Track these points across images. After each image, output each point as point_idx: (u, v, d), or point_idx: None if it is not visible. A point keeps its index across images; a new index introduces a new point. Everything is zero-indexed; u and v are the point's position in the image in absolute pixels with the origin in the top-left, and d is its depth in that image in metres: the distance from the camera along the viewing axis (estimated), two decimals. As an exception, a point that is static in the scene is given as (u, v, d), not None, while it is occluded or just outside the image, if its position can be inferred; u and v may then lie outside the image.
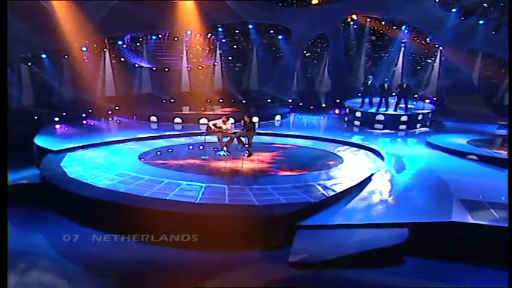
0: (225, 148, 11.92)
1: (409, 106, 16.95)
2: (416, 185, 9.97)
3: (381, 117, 16.51)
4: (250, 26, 20.47)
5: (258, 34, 20.81)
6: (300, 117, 18.22)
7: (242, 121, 11.94)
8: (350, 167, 11.11)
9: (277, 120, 17.01)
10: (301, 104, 20.30)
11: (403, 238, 7.48)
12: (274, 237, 7.78)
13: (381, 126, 16.35)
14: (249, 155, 11.80)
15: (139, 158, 11.40)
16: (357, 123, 17.06)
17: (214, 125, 11.87)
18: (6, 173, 3.44)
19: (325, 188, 9.22)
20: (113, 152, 11.92)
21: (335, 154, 12.48)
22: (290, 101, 20.14)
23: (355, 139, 14.35)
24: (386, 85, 17.02)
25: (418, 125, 16.73)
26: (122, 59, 18.91)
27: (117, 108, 17.67)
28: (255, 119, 15.99)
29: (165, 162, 11.18)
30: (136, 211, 7.91)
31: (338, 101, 20.34)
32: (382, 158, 11.91)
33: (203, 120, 15.13)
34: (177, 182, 9.34)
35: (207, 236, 7.64)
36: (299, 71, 21.71)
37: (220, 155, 11.72)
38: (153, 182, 9.41)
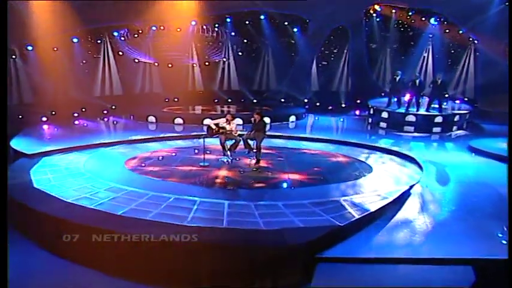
0: (228, 153, 10.03)
1: (443, 106, 14.77)
2: (470, 201, 7.87)
3: (411, 118, 14.40)
4: (262, 17, 18.62)
5: (271, 26, 18.96)
6: (317, 118, 16.62)
7: (252, 119, 9.97)
8: (381, 177, 9.06)
9: (292, 122, 15.46)
10: (318, 104, 18.72)
11: (463, 280, 5.36)
12: (287, 273, 5.79)
13: (412, 128, 14.26)
14: (257, 162, 9.90)
15: (126, 165, 9.54)
16: (382, 125, 14.98)
17: (216, 125, 9.95)
18: (6, 172, 3.27)
19: (353, 205, 7.18)
20: (97, 157, 10.31)
21: (361, 161, 10.44)
22: (306, 100, 18.64)
23: (383, 143, 12.31)
24: (417, 81, 14.83)
25: (454, 128, 14.56)
26: (120, 53, 17.31)
27: (113, 107, 16.05)
28: (267, 120, 14.36)
29: (155, 169, 9.37)
30: (103, 235, 5.97)
31: (359, 101, 18.51)
32: (419, 166, 9.78)
33: (207, 121, 13.17)
34: (165, 196, 7.44)
35: (197, 272, 5.69)
36: (316, 67, 20.20)
37: (222, 161, 9.89)
38: (134, 195, 7.54)
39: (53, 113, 14.38)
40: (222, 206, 7.09)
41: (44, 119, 13.98)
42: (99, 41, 16.42)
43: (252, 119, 10.12)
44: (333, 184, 8.49)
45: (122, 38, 16.82)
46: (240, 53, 19.83)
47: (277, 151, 11.08)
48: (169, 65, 18.40)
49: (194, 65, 19.17)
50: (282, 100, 18.69)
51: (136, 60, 17.77)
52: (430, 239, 6.47)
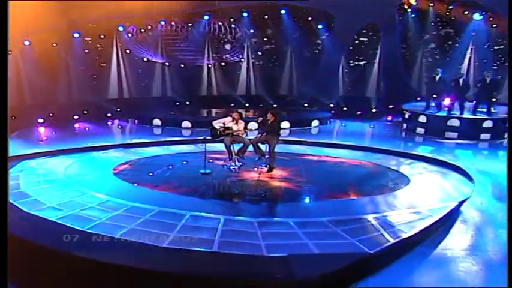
0: (235, 159, 8.69)
1: (492, 110, 12.94)
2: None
3: (454, 123, 12.64)
4: (283, 11, 17.33)
5: (293, 21, 17.64)
6: (343, 124, 15.25)
7: (259, 119, 8.67)
8: (422, 190, 7.45)
9: (315, 127, 14.30)
10: (345, 108, 17.34)
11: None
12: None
13: (455, 134, 12.52)
14: (270, 170, 8.54)
15: (113, 170, 8.37)
16: (420, 130, 13.26)
17: (222, 126, 8.62)
18: (6, 172, 3.12)
19: (386, 225, 5.64)
20: (84, 161, 9.31)
21: (395, 171, 8.86)
22: (332, 105, 17.30)
23: (422, 151, 10.67)
24: (461, 81, 13.05)
25: (506, 134, 12.63)
26: (127, 51, 16.37)
27: (118, 110, 15.21)
28: (285, 125, 13.00)
29: (145, 177, 8.22)
30: (51, 256, 4.69)
31: (392, 106, 16.90)
32: (469, 178, 8.11)
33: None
34: (147, 208, 6.14)
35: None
36: (343, 69, 18.80)
37: (228, 168, 8.60)
38: (109, 206, 6.27)
39: (51, 114, 13.54)
40: (216, 223, 5.70)
41: (41, 120, 13.19)
42: (102, 37, 15.45)
43: (260, 119, 8.75)
44: (360, 198, 7.02)
45: (129, 34, 15.82)
46: (259, 53, 18.64)
47: (294, 158, 9.91)
48: (182, 66, 17.49)
49: (209, 65, 18.16)
50: (305, 105, 17.46)
51: (145, 59, 16.84)
52: (488, 272, 4.83)
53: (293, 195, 7.29)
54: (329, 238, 5.28)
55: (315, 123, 14.48)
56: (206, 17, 16.56)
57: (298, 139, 11.69)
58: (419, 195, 7.19)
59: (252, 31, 17.93)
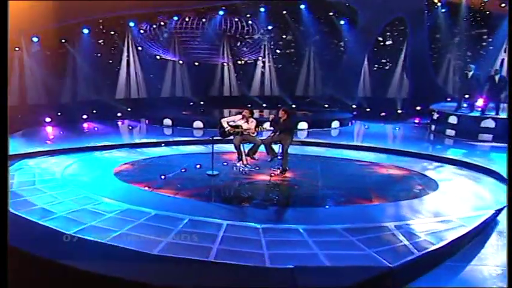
0: (245, 160, 8.27)
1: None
2: None
3: (489, 124, 11.82)
4: (303, 6, 16.88)
5: (314, 17, 17.13)
6: (366, 126, 14.66)
7: (271, 117, 8.21)
8: (451, 196, 6.82)
9: (335, 128, 13.84)
10: (368, 109, 16.91)
11: None
12: None
13: (489, 136, 11.71)
14: (282, 172, 8.09)
15: (114, 171, 8.07)
16: (450, 132, 12.51)
17: (230, 124, 8.24)
18: (6, 171, 3.15)
19: (409, 235, 5.04)
20: (85, 161, 9.05)
21: (422, 174, 8.25)
22: (354, 106, 16.94)
23: (452, 154, 9.99)
24: (497, 77, 12.21)
25: (548, 137, 11.65)
26: (139, 48, 16.28)
27: (129, 110, 15.20)
28: (303, 125, 12.83)
29: (147, 178, 7.82)
30: (29, 259, 4.32)
31: (419, 108, 16.32)
32: (506, 183, 7.33)
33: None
34: (143, 211, 5.77)
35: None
36: (367, 68, 18.26)
37: (238, 170, 8.21)
38: (101, 210, 5.91)
39: (59, 114, 13.53)
40: (216, 228, 5.23)
41: (48, 119, 13.12)
42: (112, 33, 15.36)
43: (271, 117, 8.25)
44: (380, 204, 6.45)
45: (141, 31, 15.62)
46: (277, 51, 18.32)
47: (311, 160, 9.47)
48: (196, 64, 17.30)
49: (224, 64, 17.88)
50: (326, 106, 17.07)
51: (158, 57, 16.69)
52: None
53: (305, 200, 6.78)
54: (343, 248, 4.75)
55: (335, 124, 13.99)
56: (221, 12, 16.22)
57: (316, 140, 11.26)
58: (448, 201, 6.55)
59: (270, 27, 17.55)
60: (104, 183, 7.43)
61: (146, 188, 7.09)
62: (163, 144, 10.78)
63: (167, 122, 13.72)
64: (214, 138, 8.32)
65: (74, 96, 14.68)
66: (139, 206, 6.01)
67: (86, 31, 14.55)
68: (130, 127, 13.82)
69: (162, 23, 15.68)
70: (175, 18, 15.73)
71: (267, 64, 18.43)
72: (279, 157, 8.16)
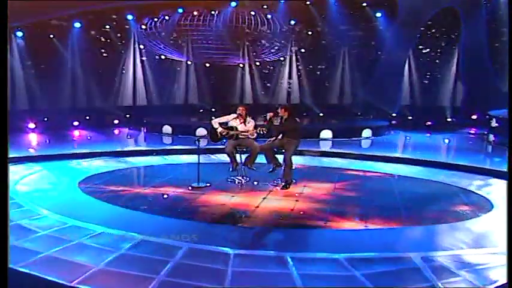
0: (242, 169, 7.49)
1: None
2: None
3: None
4: (330, -4, 16.27)
5: (343, 9, 16.36)
6: (408, 137, 13.94)
7: (269, 115, 7.38)
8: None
9: (366, 138, 13.21)
10: (410, 117, 16.34)
11: None
12: None
13: None
14: (285, 186, 7.13)
15: (80, 182, 7.46)
16: (512, 143, 11.03)
17: (222, 124, 7.51)
18: (6, 171, 3.22)
19: (441, 271, 3.93)
20: (53, 170, 8.46)
21: (472, 192, 7.20)
22: (394, 114, 16.38)
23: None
24: None
25: None
26: (142, 46, 16.02)
27: (127, 116, 15.07)
28: (326, 134, 12.43)
29: (118, 190, 7.06)
30: None
31: (475, 116, 15.66)
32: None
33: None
34: (87, 229, 5.07)
35: None
36: (410, 70, 17.55)
37: (233, 182, 7.45)
38: (38, 226, 5.09)
39: (46, 119, 13.38)
40: (170, 254, 4.28)
41: (32, 125, 12.99)
42: (107, 27, 15.04)
43: (269, 115, 7.38)
44: (407, 227, 5.39)
45: (142, 27, 15.22)
46: (302, 50, 17.69)
47: (328, 172, 8.76)
48: (207, 65, 17.02)
49: (241, 65, 17.47)
50: (359, 114, 16.74)
51: (163, 57, 16.34)
52: None
53: (304, 219, 5.70)
54: (340, 282, 3.65)
55: (366, 133, 13.32)
56: (233, 4, 15.60)
57: (340, 151, 10.54)
58: (504, 227, 5.27)
59: (292, 22, 16.90)
60: (60, 195, 6.73)
61: (109, 203, 6.25)
62: (154, 153, 10.26)
63: (167, 129, 13.30)
64: (200, 140, 7.59)
65: (63, 101, 14.52)
66: (86, 222, 5.17)
67: (77, 25, 14.30)
68: (127, 136, 13.61)
69: (166, 17, 15.14)
70: (180, 10, 15.18)
71: (290, 64, 18.02)
72: (280, 166, 7.23)
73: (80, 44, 14.52)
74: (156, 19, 15.12)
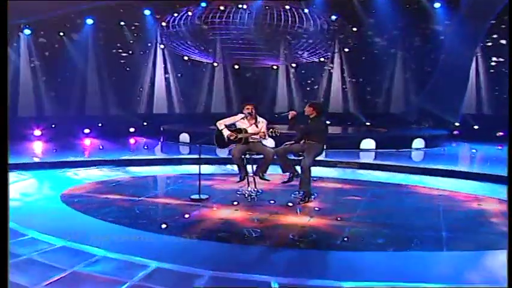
0: (252, 180, 7.10)
1: None
2: None
3: None
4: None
5: (393, 1, 15.90)
6: (474, 150, 13.43)
7: (291, 114, 6.94)
8: None
9: (417, 149, 12.98)
10: (476, 127, 16.01)
11: None
12: None
13: None
14: (304, 199, 6.64)
15: (65, 194, 7.38)
16: None
17: (229, 127, 7.18)
18: (6, 171, 3.30)
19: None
20: (41, 179, 8.62)
21: None
22: (457, 124, 16.14)
23: None
24: None
25: None
26: (162, 46, 16.25)
27: (144, 124, 15.30)
28: (369, 144, 12.30)
29: (105, 201, 6.89)
30: None
31: None
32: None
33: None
34: (49, 243, 4.83)
35: None
36: (477, 72, 17.09)
37: (243, 195, 7.05)
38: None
39: (53, 126, 13.72)
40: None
41: (38, 133, 13.38)
42: (122, 23, 15.26)
43: (291, 113, 6.96)
44: (442, 253, 4.81)
45: (163, 24, 15.27)
46: (345, 49, 17.50)
47: (361, 186, 8.30)
48: (236, 67, 17.16)
49: (274, 67, 17.31)
50: (412, 123, 16.38)
51: (186, 58, 16.45)
52: None
53: (321, 242, 5.16)
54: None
55: (418, 143, 13.01)
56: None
57: (381, 162, 10.30)
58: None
59: (333, 18, 16.60)
60: (34, 206, 6.64)
61: (93, 216, 6.00)
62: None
63: (184, 137, 13.27)
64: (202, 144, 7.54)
65: (74, 106, 14.82)
66: (50, 236, 4.96)
67: (89, 21, 14.53)
68: (144, 146, 13.78)
69: (189, 13, 15.13)
70: (203, 4, 15.13)
71: (333, 67, 17.87)
72: (296, 174, 6.82)
73: (92, 42, 14.87)
74: (176, 14, 15.13)
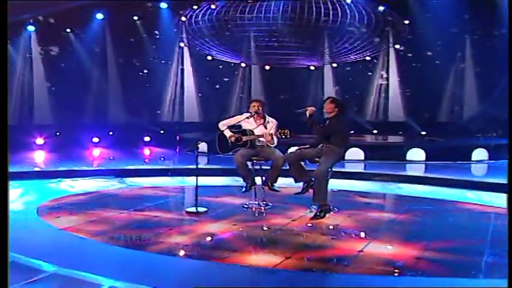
0: (261, 194, 6.92)
1: None
2: None
3: None
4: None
5: None
6: None
7: (309, 110, 6.62)
8: None
9: (479, 161, 12.76)
10: None
11: None
12: None
13: None
14: (318, 215, 6.27)
15: (43, 206, 7.48)
16: None
17: (234, 129, 6.99)
18: (6, 171, 3.50)
19: None
20: (27, 188, 8.85)
21: None
22: None
23: None
24: None
25: None
26: (182, 44, 16.37)
27: (162, 132, 15.55)
28: (417, 155, 12.19)
29: (90, 213, 6.87)
30: None
31: None
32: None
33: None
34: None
35: None
36: None
37: (250, 209, 6.90)
38: None
39: (58, 134, 14.15)
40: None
41: (40, 141, 13.70)
42: (135, 18, 15.42)
43: (309, 109, 6.60)
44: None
45: (183, 19, 15.42)
46: (396, 46, 17.11)
47: (396, 201, 8.41)
48: (267, 68, 17.22)
49: (311, 68, 17.09)
50: (477, 132, 15.93)
51: (209, 58, 16.49)
52: None
53: (323, 262, 4.84)
54: None
55: (479, 155, 12.71)
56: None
57: (429, 175, 10.20)
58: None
59: (381, 9, 16.24)
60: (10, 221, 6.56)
61: (71, 230, 5.95)
62: (169, 174, 10.47)
63: (202, 147, 12.91)
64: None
65: (80, 113, 15.05)
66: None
67: (100, 16, 14.78)
68: (161, 158, 13.89)
69: (212, 6, 15.11)
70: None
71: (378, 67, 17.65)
72: (310, 184, 6.45)
73: (102, 40, 15.18)
74: (196, 6, 15.16)
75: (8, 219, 3.48)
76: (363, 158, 12.15)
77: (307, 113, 6.50)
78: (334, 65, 17.22)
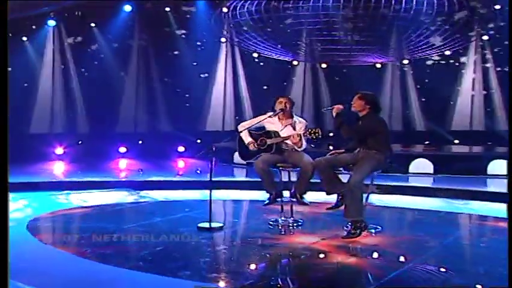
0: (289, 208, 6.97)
1: None
2: None
3: None
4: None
5: None
6: None
7: (336, 108, 6.55)
8: None
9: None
10: None
11: None
12: None
13: None
14: (355, 231, 6.14)
15: (34, 220, 7.82)
16: None
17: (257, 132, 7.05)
18: (6, 172, 3.81)
19: None
20: (30, 200, 9.30)
21: None
22: None
23: None
24: None
25: None
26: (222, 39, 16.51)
27: (198, 141, 15.77)
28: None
29: (90, 229, 6.99)
30: None
31: None
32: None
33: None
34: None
35: None
36: None
37: (277, 226, 6.89)
38: None
39: (80, 142, 14.66)
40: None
41: (59, 151, 14.29)
42: (167, 9, 15.68)
43: (337, 107, 6.53)
44: None
45: (224, 10, 15.36)
46: (484, 37, 16.67)
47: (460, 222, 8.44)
48: (323, 66, 17.25)
49: (378, 66, 17.12)
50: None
51: (256, 55, 16.63)
52: None
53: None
54: None
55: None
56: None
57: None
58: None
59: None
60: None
61: (63, 248, 6.14)
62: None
63: (237, 158, 12.99)
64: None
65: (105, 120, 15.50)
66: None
67: (128, 8, 15.11)
68: (197, 170, 13.99)
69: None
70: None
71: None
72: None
73: (129, 36, 15.68)
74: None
75: (8, 232, 3.52)
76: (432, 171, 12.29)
77: (334, 112, 6.43)
78: (405, 61, 16.94)
